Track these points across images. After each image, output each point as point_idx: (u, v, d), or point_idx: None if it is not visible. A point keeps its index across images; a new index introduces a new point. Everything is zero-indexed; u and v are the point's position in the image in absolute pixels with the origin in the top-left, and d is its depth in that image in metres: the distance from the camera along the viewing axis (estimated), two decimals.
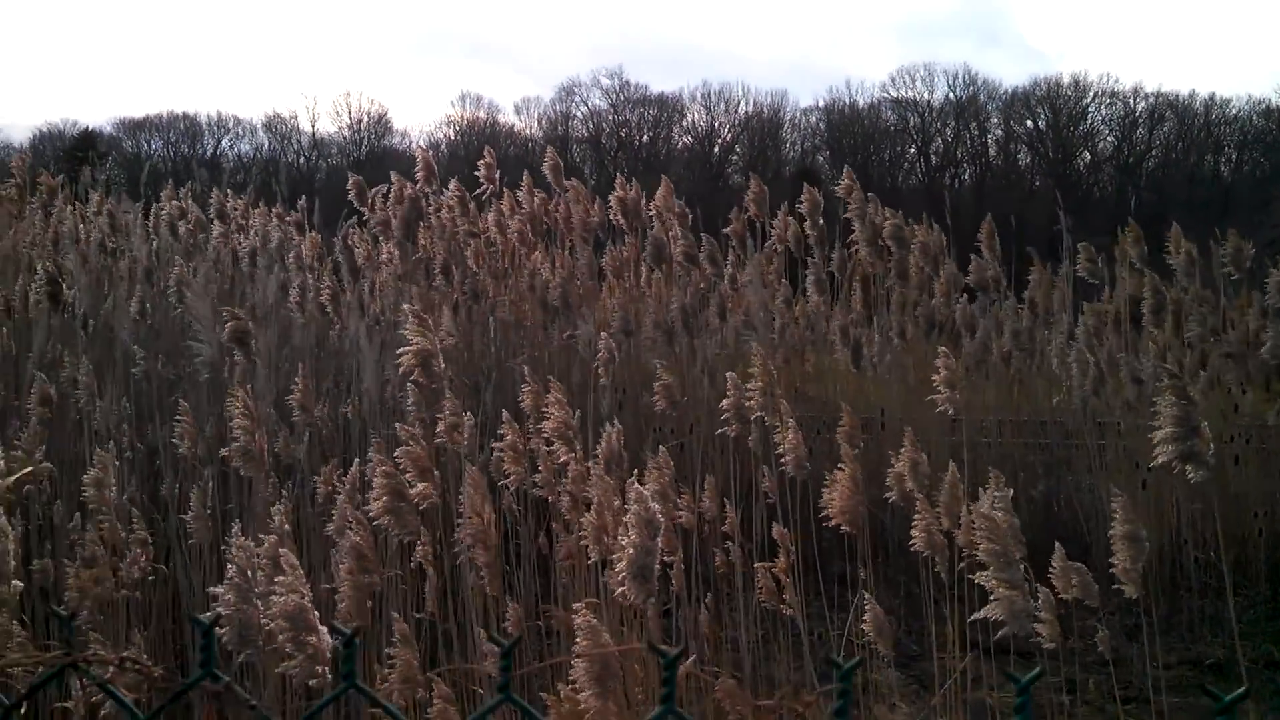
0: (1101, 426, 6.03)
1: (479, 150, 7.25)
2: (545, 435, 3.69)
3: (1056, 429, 6.44)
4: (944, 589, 3.52)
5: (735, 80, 74.60)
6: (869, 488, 4.70)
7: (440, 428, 3.71)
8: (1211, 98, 45.10)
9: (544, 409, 3.71)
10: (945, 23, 73.86)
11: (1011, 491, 3.52)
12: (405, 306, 4.22)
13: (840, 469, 3.57)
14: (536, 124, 51.26)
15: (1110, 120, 46.72)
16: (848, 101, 49.75)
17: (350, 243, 6.89)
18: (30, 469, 3.62)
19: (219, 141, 50.36)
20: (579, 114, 51.23)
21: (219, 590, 2.64)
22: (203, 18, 77.28)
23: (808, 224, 6.70)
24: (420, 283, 6.57)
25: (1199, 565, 5.42)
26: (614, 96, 50.72)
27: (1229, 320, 6.32)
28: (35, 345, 5.45)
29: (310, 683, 2.50)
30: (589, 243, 6.86)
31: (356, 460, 3.76)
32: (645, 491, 2.74)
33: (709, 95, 50.21)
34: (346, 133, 51.64)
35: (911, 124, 48.65)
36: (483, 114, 52.16)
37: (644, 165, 44.04)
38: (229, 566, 2.68)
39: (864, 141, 48.76)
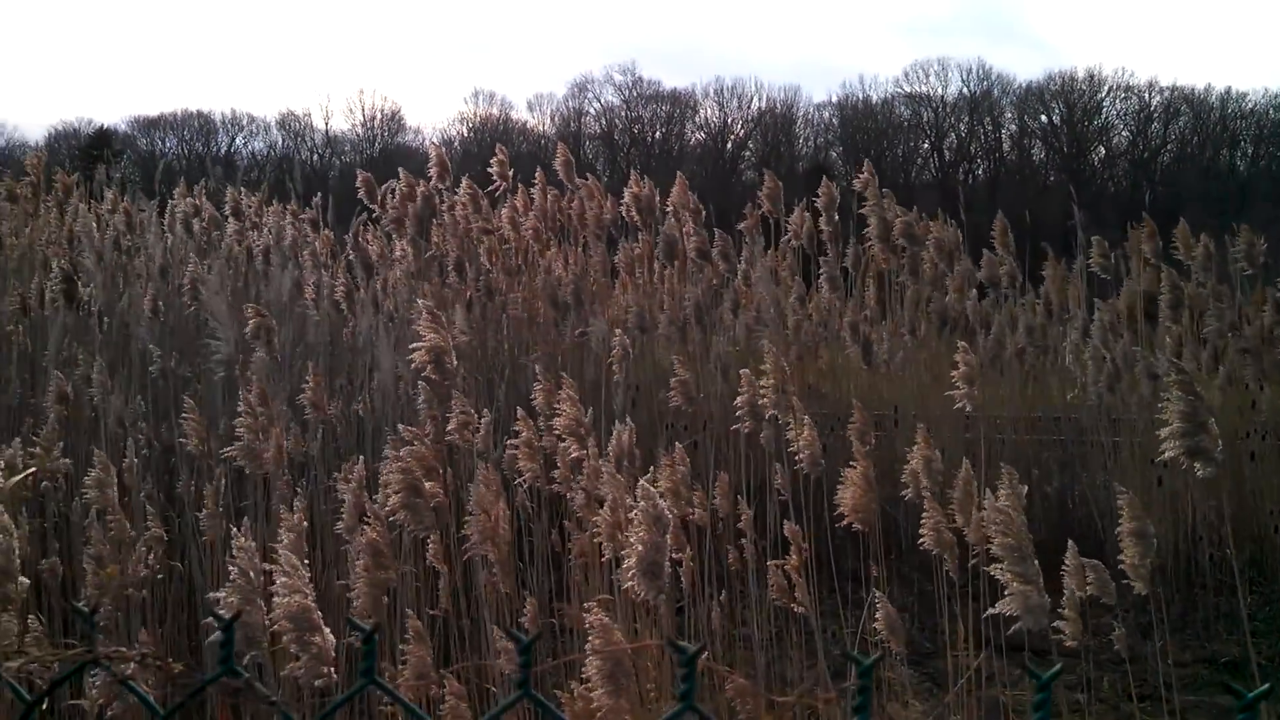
0: (1116, 423, 6.01)
1: (492, 147, 7.26)
2: (557, 433, 3.69)
3: (1070, 426, 6.41)
4: (957, 586, 3.51)
5: (748, 76, 74.65)
6: (882, 485, 4.70)
7: (452, 425, 3.72)
8: (1228, 91, 44.89)
9: (556, 406, 3.72)
10: (959, 17, 73.65)
11: (1025, 488, 3.52)
12: (420, 302, 4.23)
13: (858, 464, 3.57)
14: (549, 120, 51.33)
15: (1125, 115, 46.53)
16: (861, 97, 49.68)
17: (363, 240, 6.91)
18: (34, 469, 3.64)
19: (233, 139, 50.56)
20: (592, 110, 51.27)
21: (220, 594, 2.64)
22: (217, 16, 77.54)
23: (822, 219, 6.69)
24: (433, 280, 6.58)
25: (1214, 562, 5.40)
26: (627, 93, 50.74)
27: (1245, 316, 6.29)
28: (51, 343, 5.48)
29: (316, 683, 2.50)
30: (602, 239, 6.86)
31: (360, 458, 3.77)
32: (653, 489, 2.74)
33: (722, 91, 50.19)
34: (360, 130, 51.78)
35: (925, 119, 48.53)
36: (496, 110, 52.27)
37: (657, 161, 44.04)
38: (231, 568, 2.69)
39: (877, 137, 48.63)
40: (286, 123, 51.38)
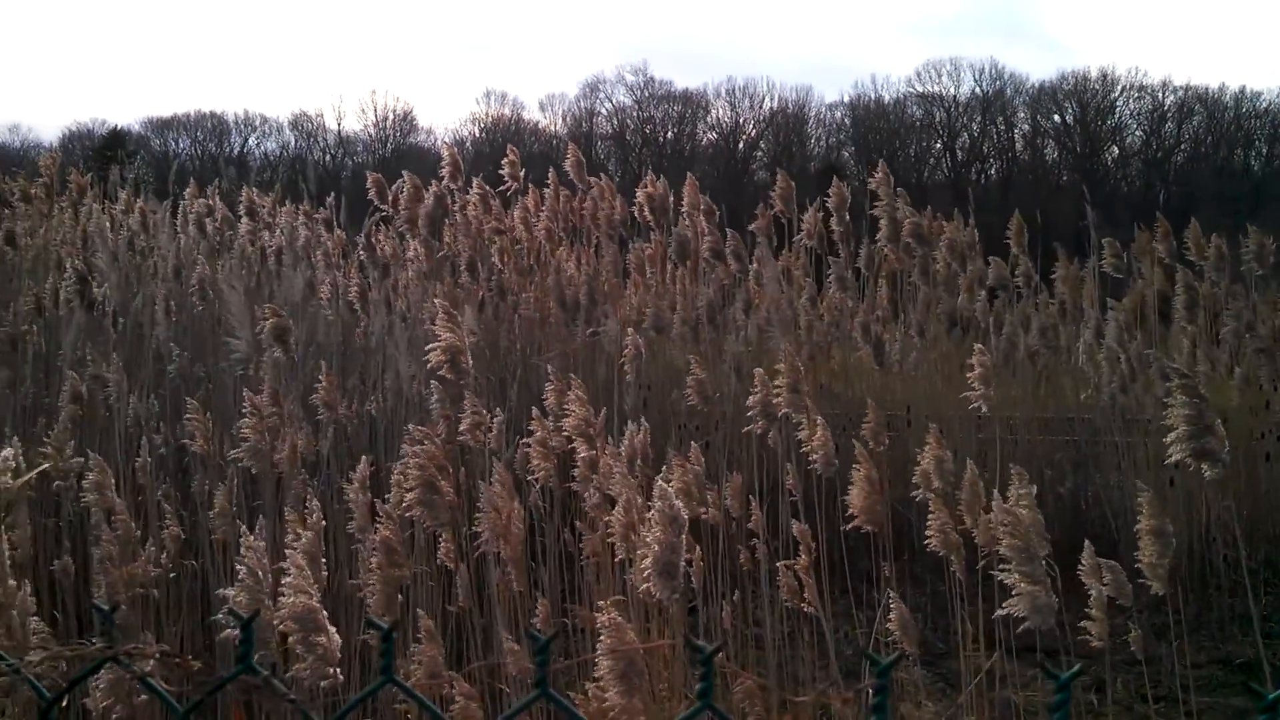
0: (1130, 423, 5.99)
1: (504, 147, 7.27)
2: (567, 433, 3.70)
3: (1084, 426, 6.39)
4: (969, 586, 3.50)
5: (760, 76, 74.63)
6: (895, 485, 4.69)
7: (464, 425, 3.73)
8: (1242, 91, 44.73)
9: (565, 407, 3.72)
10: (971, 17, 73.46)
11: (1035, 489, 3.51)
12: (435, 301, 4.24)
13: (862, 467, 3.56)
14: (561, 120, 51.41)
15: (1138, 114, 46.39)
16: (873, 97, 49.65)
17: (375, 240, 6.92)
18: (44, 466, 3.65)
19: (246, 140, 50.78)
20: (603, 110, 51.33)
21: (226, 592, 2.65)
22: (230, 17, 77.77)
23: (834, 220, 6.68)
24: (445, 280, 6.60)
25: (1228, 563, 5.37)
26: (639, 93, 50.78)
27: (1259, 316, 6.26)
28: (66, 343, 5.50)
29: (322, 684, 2.51)
30: (614, 239, 6.86)
31: (367, 458, 3.77)
32: (669, 488, 2.74)
33: (734, 91, 50.21)
34: (372, 130, 51.93)
35: (937, 119, 48.47)
36: (507, 111, 52.36)
37: (668, 162, 44.04)
38: (239, 567, 2.69)
39: (889, 137, 48.58)
40: (299, 123, 51.60)
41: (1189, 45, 73.73)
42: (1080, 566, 3.15)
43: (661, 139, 50.66)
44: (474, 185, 6.88)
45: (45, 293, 6.09)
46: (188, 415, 4.15)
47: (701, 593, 3.72)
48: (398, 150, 47.86)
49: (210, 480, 4.22)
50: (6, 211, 7.61)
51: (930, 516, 3.44)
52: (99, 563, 3.37)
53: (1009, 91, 47.62)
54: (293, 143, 51.24)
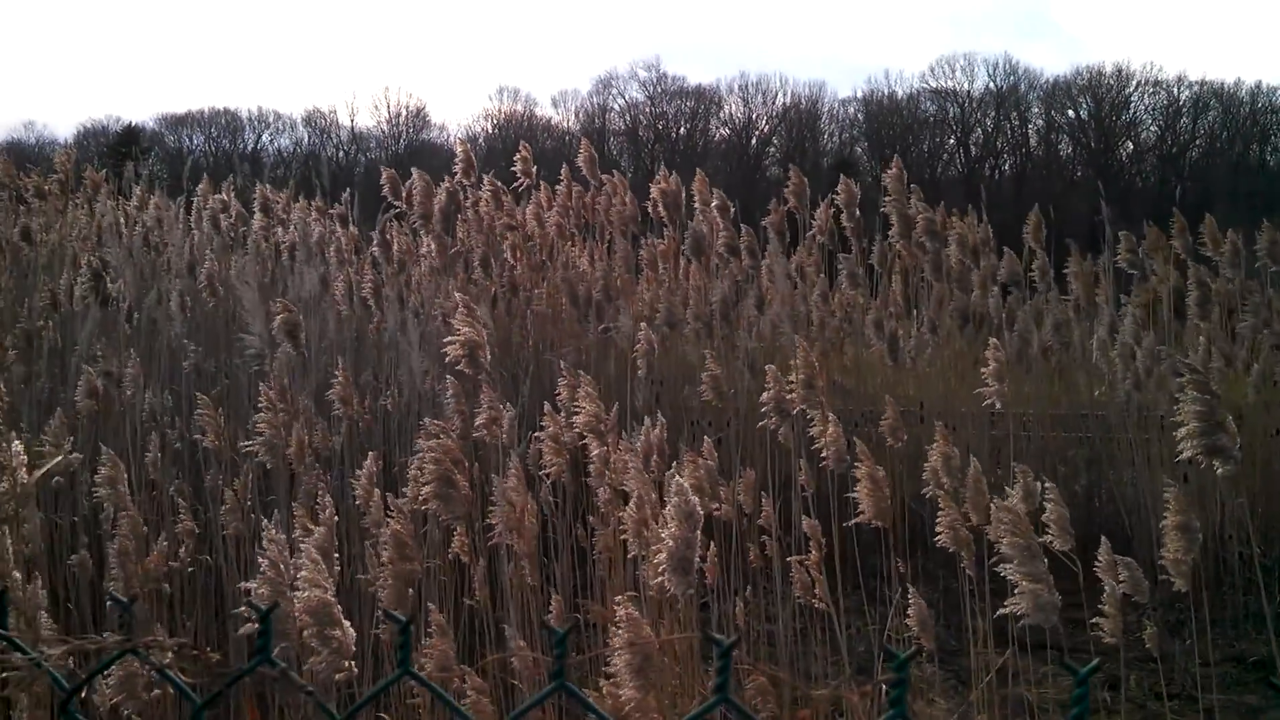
0: (1144, 420, 5.97)
1: (516, 143, 7.27)
2: (579, 429, 3.70)
3: (1098, 423, 6.37)
4: (980, 583, 3.50)
5: (773, 72, 74.47)
6: (908, 482, 4.69)
7: (480, 420, 3.73)
8: (1258, 86, 44.44)
9: (577, 403, 3.72)
10: (985, 12, 73.21)
11: (1041, 486, 3.50)
12: (457, 295, 4.25)
13: (863, 465, 3.55)
14: (574, 117, 51.43)
15: (1153, 109, 46.18)
16: (886, 92, 49.54)
17: (389, 236, 6.94)
18: (57, 460, 3.67)
19: (259, 136, 50.92)
20: (616, 106, 51.32)
21: (250, 584, 2.66)
22: (244, 14, 77.98)
23: (844, 216, 6.67)
24: (458, 275, 6.61)
25: (1243, 561, 5.35)
26: (651, 89, 50.75)
27: (1274, 312, 6.23)
28: (81, 339, 5.53)
29: (336, 677, 2.52)
30: (627, 235, 6.86)
31: (374, 454, 3.79)
32: (685, 483, 2.75)
33: (746, 87, 50.13)
34: (385, 127, 52.02)
35: (951, 114, 48.33)
36: (520, 107, 52.39)
37: (681, 157, 44.01)
38: (260, 560, 2.71)
39: (903, 132, 48.45)
40: (312, 120, 51.73)
41: (1204, 40, 73.35)
42: (1096, 563, 3.14)
43: (674, 135, 50.63)
44: (486, 181, 6.89)
45: (60, 288, 6.12)
46: (200, 410, 4.17)
47: (714, 589, 3.72)
48: (411, 146, 47.96)
49: (224, 475, 4.24)
50: (22, 208, 7.65)
51: (940, 513, 3.43)
52: (115, 556, 3.39)
53: (1023, 87, 47.49)
54: (306, 139, 51.42)
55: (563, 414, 3.88)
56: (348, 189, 7.96)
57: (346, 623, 2.52)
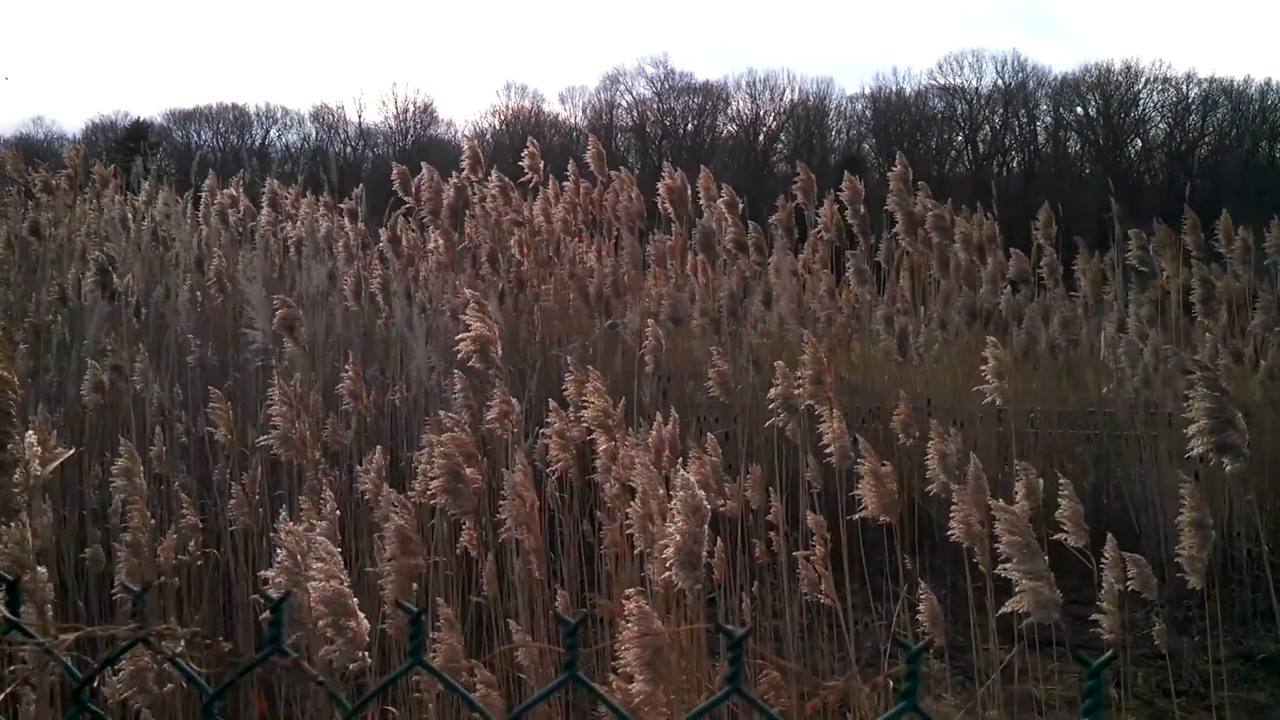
0: (1152, 417, 5.96)
1: (524, 139, 7.27)
2: (587, 424, 3.70)
3: (1106, 420, 6.36)
4: (987, 580, 3.49)
5: (780, 68, 74.34)
6: (915, 478, 4.68)
7: (492, 414, 3.74)
8: (1267, 83, 44.23)
9: (584, 398, 3.72)
10: (994, 9, 73.08)
11: (1057, 480, 3.49)
12: (468, 291, 4.25)
13: (867, 461, 3.55)
14: (581, 113, 51.35)
15: (1162, 107, 45.99)
16: (894, 89, 49.40)
17: (398, 232, 6.95)
18: (70, 452, 3.67)
19: (267, 132, 50.97)
20: (624, 103, 51.23)
21: (268, 574, 2.68)
22: (251, 10, 78.10)
23: (849, 213, 6.67)
24: (466, 271, 6.61)
25: (1252, 558, 5.34)
26: (659, 85, 50.66)
27: None
28: (89, 333, 5.54)
29: (350, 666, 2.54)
30: (634, 231, 6.86)
31: (380, 448, 3.79)
32: (691, 478, 2.75)
33: (754, 83, 50.03)
34: (393, 123, 52.03)
35: (959, 111, 48.18)
36: (527, 103, 52.33)
37: (688, 154, 43.97)
38: (278, 550, 2.72)
39: (910, 129, 48.33)
40: (320, 115, 51.75)
41: (1214, 37, 73.08)
42: (1103, 560, 3.14)
43: (682, 131, 50.56)
44: (495, 176, 6.89)
45: (69, 283, 6.14)
46: (211, 404, 4.18)
47: (721, 585, 3.72)
48: (418, 142, 47.95)
49: (232, 469, 4.25)
50: (31, 203, 7.67)
51: (954, 508, 3.43)
52: (126, 548, 3.40)
53: (1031, 84, 47.31)
54: (314, 135, 51.44)
55: (570, 409, 3.88)
56: (358, 185, 7.96)
57: (361, 614, 2.54)
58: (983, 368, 4.32)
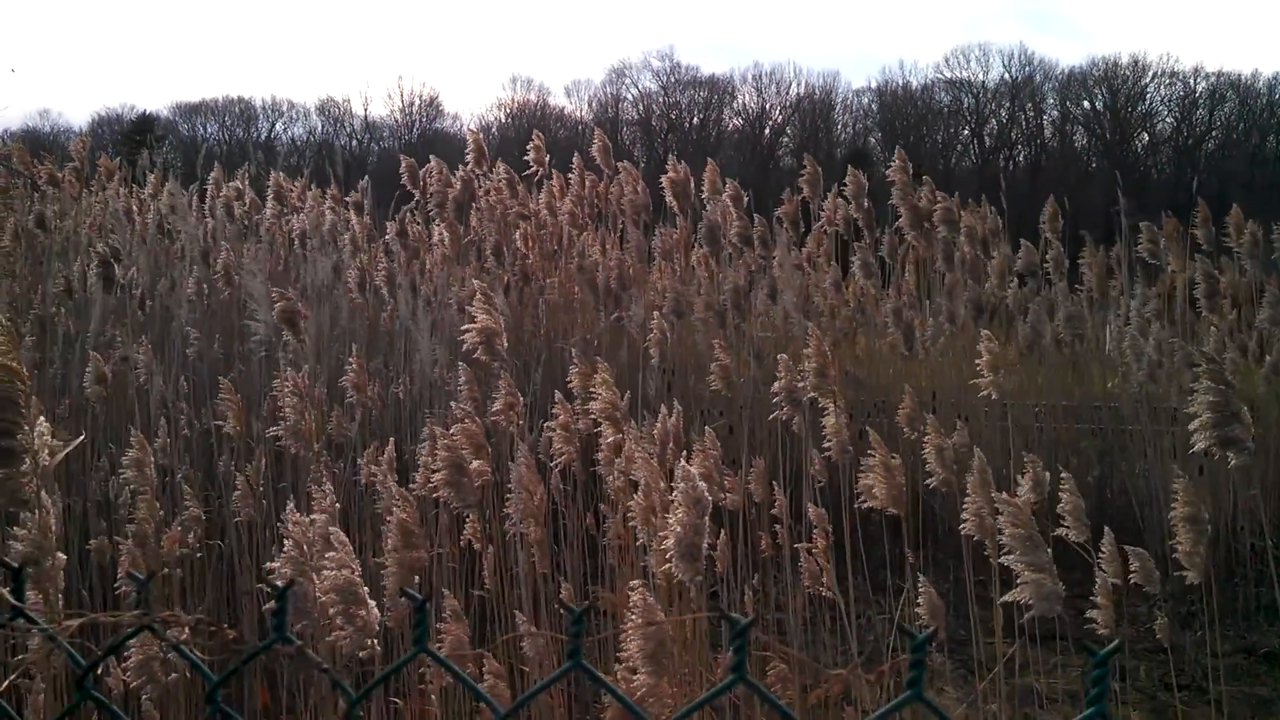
0: (1157, 412, 5.95)
1: (529, 133, 7.28)
2: (593, 416, 3.70)
3: (1111, 414, 6.36)
4: (990, 573, 3.50)
5: (786, 62, 74.20)
6: (918, 472, 4.68)
7: (497, 406, 3.74)
8: (1275, 77, 44.05)
9: (591, 390, 3.73)
10: (1001, 3, 72.86)
11: (1057, 474, 3.49)
12: (474, 283, 4.26)
13: (878, 452, 3.55)
14: (587, 106, 51.29)
15: (1169, 101, 45.83)
16: (901, 83, 49.30)
17: (406, 225, 6.96)
18: (78, 441, 3.69)
19: (273, 125, 50.99)
20: (629, 96, 51.18)
21: (274, 564, 2.70)
22: (257, 3, 78.11)
23: (853, 207, 6.67)
24: (471, 263, 6.62)
25: (1255, 552, 5.34)
26: (664, 78, 50.59)
27: None
28: (92, 325, 5.56)
29: (360, 654, 2.56)
30: (639, 225, 6.87)
31: (393, 440, 3.80)
32: (693, 470, 2.75)
33: (760, 77, 49.95)
34: (398, 116, 52.03)
35: (965, 105, 48.06)
36: (533, 96, 52.28)
37: (694, 147, 43.91)
38: (285, 541, 2.74)
39: (917, 123, 48.23)
40: (326, 109, 51.77)
41: (1221, 31, 72.84)
42: (1101, 554, 3.14)
43: (687, 125, 50.49)
44: (501, 169, 6.90)
45: (74, 275, 6.16)
46: (221, 395, 4.19)
47: (723, 578, 3.72)
48: (424, 136, 47.93)
49: (237, 461, 4.26)
50: (37, 195, 7.68)
51: (967, 501, 3.42)
52: (132, 537, 3.42)
53: (1038, 78, 47.17)
54: (319, 128, 51.45)
55: (575, 402, 3.89)
56: (364, 177, 7.97)
57: (372, 603, 2.56)
58: (978, 362, 4.32)
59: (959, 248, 6.41)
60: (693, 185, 6.48)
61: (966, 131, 48.65)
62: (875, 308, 6.87)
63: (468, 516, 3.58)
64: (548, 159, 6.86)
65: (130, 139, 28.75)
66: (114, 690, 3.04)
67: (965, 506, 3.36)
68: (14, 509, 2.35)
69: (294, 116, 51.46)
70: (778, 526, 3.84)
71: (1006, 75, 47.23)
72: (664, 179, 6.38)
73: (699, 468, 3.42)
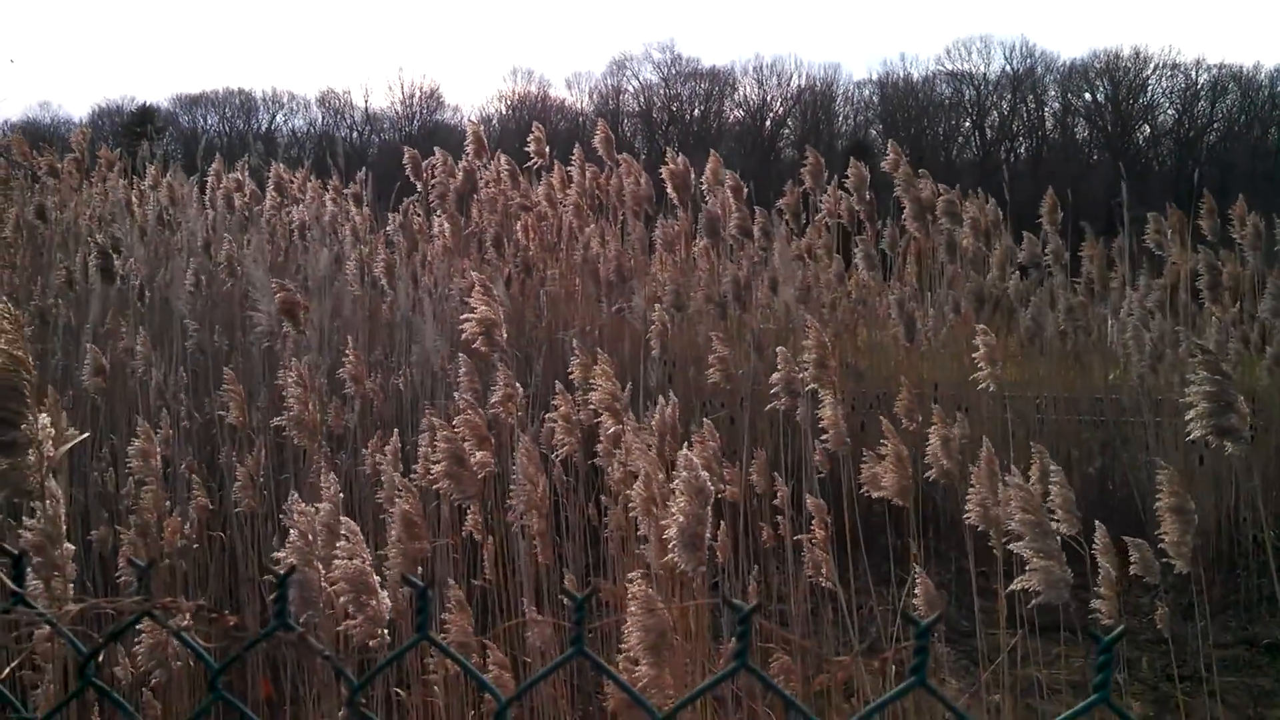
0: (1158, 403, 5.95)
1: (530, 125, 7.26)
2: (594, 407, 3.70)
3: (1112, 406, 6.35)
4: (993, 564, 3.49)
5: (788, 54, 74.21)
6: (919, 463, 4.67)
7: (496, 398, 3.74)
8: (1277, 69, 43.98)
9: (592, 381, 3.72)
10: None
11: (1053, 466, 3.48)
12: (474, 274, 4.25)
13: (890, 442, 3.54)
14: (587, 98, 51.24)
15: (1171, 93, 45.76)
16: (902, 74, 49.24)
17: (408, 217, 6.95)
18: (84, 435, 3.68)
19: (273, 117, 50.95)
20: (630, 88, 51.12)
21: (280, 554, 2.70)
22: None
23: (855, 199, 6.66)
24: (472, 255, 6.61)
25: (1257, 543, 5.34)
26: (665, 70, 50.53)
27: None
28: (91, 316, 5.55)
29: (370, 643, 2.56)
30: (640, 216, 6.86)
31: (396, 431, 3.80)
32: (695, 459, 2.75)
33: (761, 68, 49.92)
34: (399, 108, 52.00)
35: (967, 97, 47.98)
36: (534, 88, 52.25)
37: (695, 139, 43.86)
38: (290, 531, 2.74)
39: (918, 115, 48.16)
40: (326, 100, 51.74)
41: (1223, 23, 72.69)
42: (1093, 545, 3.13)
43: (688, 117, 50.44)
44: (504, 160, 6.89)
45: (75, 266, 6.15)
46: (225, 385, 4.18)
47: (725, 569, 3.72)
48: (424, 128, 47.89)
49: (239, 452, 4.25)
50: (37, 186, 7.68)
51: (970, 491, 3.42)
52: (134, 528, 3.41)
53: (1040, 69, 47.10)
54: (320, 120, 51.43)
55: (576, 393, 3.88)
56: (364, 168, 7.96)
57: (383, 593, 2.57)
58: (974, 355, 4.32)
59: (961, 239, 6.41)
60: (693, 177, 6.47)
61: (968, 124, 48.59)
62: (878, 299, 6.86)
63: (469, 508, 3.57)
64: (548, 150, 6.85)
65: (130, 130, 28.74)
66: (123, 681, 3.04)
67: (969, 496, 3.35)
68: (18, 500, 2.35)
69: (294, 108, 51.46)
70: (779, 517, 3.84)
71: (1008, 67, 47.20)
72: (664, 171, 6.36)
73: (698, 459, 3.42)
